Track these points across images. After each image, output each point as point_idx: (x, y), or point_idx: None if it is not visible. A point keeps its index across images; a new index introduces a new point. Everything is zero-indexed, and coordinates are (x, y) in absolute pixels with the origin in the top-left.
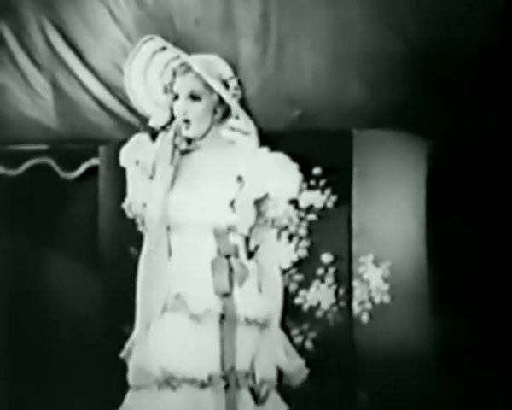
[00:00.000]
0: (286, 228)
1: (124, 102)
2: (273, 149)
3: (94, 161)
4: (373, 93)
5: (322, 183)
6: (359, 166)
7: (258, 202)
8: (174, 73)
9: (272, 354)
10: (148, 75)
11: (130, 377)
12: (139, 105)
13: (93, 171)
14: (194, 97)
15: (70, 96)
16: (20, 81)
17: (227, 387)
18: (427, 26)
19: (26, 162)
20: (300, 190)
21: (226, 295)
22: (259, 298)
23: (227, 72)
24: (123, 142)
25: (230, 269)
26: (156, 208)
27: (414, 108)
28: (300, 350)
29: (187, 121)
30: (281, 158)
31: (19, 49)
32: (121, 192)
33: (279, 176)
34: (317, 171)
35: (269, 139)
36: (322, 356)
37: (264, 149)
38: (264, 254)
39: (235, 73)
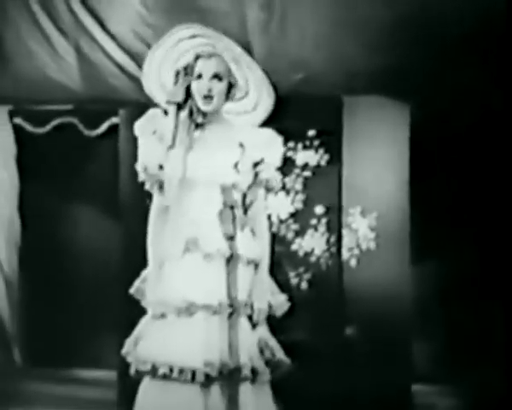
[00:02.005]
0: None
1: (141, 66)
2: (274, 112)
3: (114, 120)
4: (372, 58)
5: (316, 143)
6: (349, 129)
7: (255, 166)
8: (197, 57)
9: (264, 289)
10: (164, 62)
11: (150, 308)
12: (149, 88)
13: (113, 129)
14: (219, 77)
15: (92, 60)
16: (47, 47)
17: (231, 314)
18: None
19: (52, 121)
20: (296, 151)
21: (231, 238)
22: (255, 242)
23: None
24: (141, 105)
25: (233, 217)
26: (175, 170)
27: (409, 72)
28: (296, 290)
29: (210, 97)
30: (270, 132)
31: (45, 17)
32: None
33: (270, 145)
34: (311, 133)
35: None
36: (315, 295)
37: (255, 126)
38: (256, 208)
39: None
